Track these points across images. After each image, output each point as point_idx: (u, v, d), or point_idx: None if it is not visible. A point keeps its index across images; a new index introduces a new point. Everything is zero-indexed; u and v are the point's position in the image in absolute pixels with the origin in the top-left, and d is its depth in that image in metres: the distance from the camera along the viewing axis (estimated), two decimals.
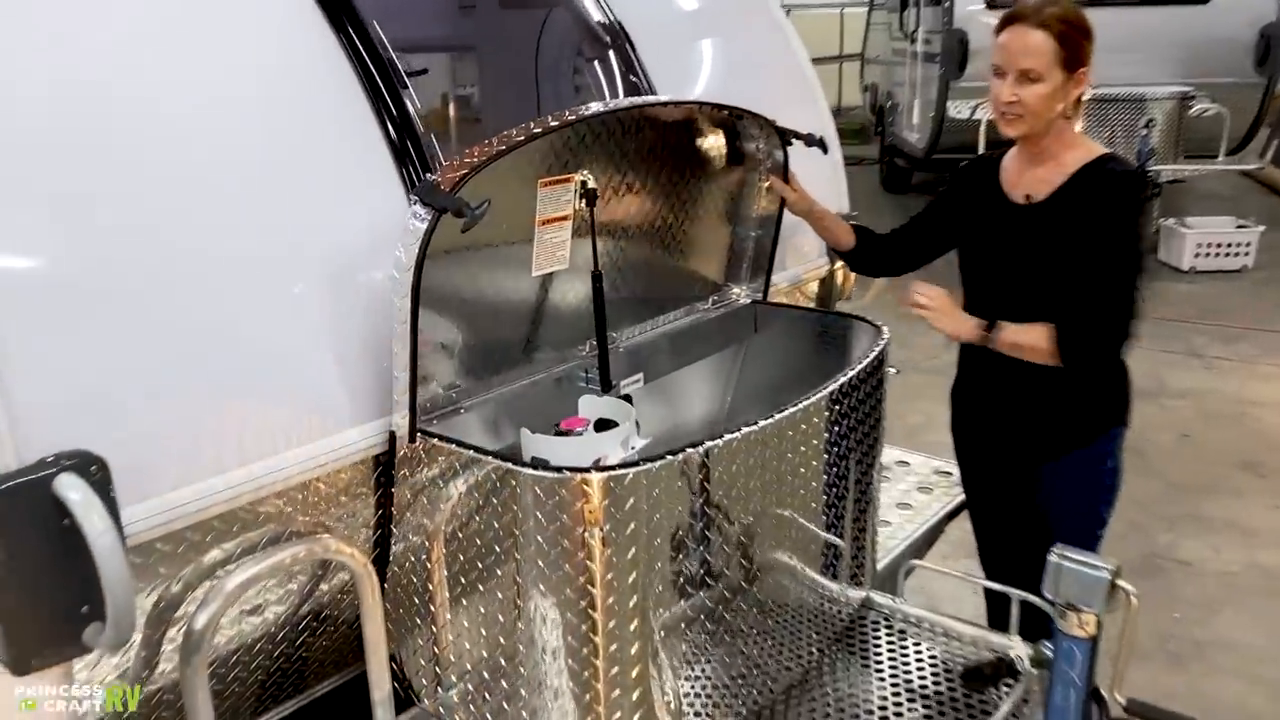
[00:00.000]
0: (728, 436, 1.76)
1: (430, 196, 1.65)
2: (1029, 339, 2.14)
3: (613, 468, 1.64)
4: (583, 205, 2.00)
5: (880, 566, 2.50)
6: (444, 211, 1.63)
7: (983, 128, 8.00)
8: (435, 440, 1.78)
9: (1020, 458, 2.31)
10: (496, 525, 1.72)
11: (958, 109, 8.62)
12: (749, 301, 2.62)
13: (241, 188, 1.70)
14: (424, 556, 1.87)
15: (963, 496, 2.87)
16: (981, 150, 7.92)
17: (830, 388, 1.96)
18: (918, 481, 2.94)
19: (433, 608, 1.89)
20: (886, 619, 2.31)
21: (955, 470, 2.98)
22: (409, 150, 1.91)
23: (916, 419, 5.20)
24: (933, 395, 5.77)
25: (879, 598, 2.34)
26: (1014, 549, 2.51)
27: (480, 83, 3.37)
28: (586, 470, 1.63)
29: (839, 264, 3.02)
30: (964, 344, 2.44)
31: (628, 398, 2.33)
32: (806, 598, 2.09)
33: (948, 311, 2.18)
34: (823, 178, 2.79)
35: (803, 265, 2.87)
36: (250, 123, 1.74)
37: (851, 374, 2.02)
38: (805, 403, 1.90)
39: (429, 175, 1.70)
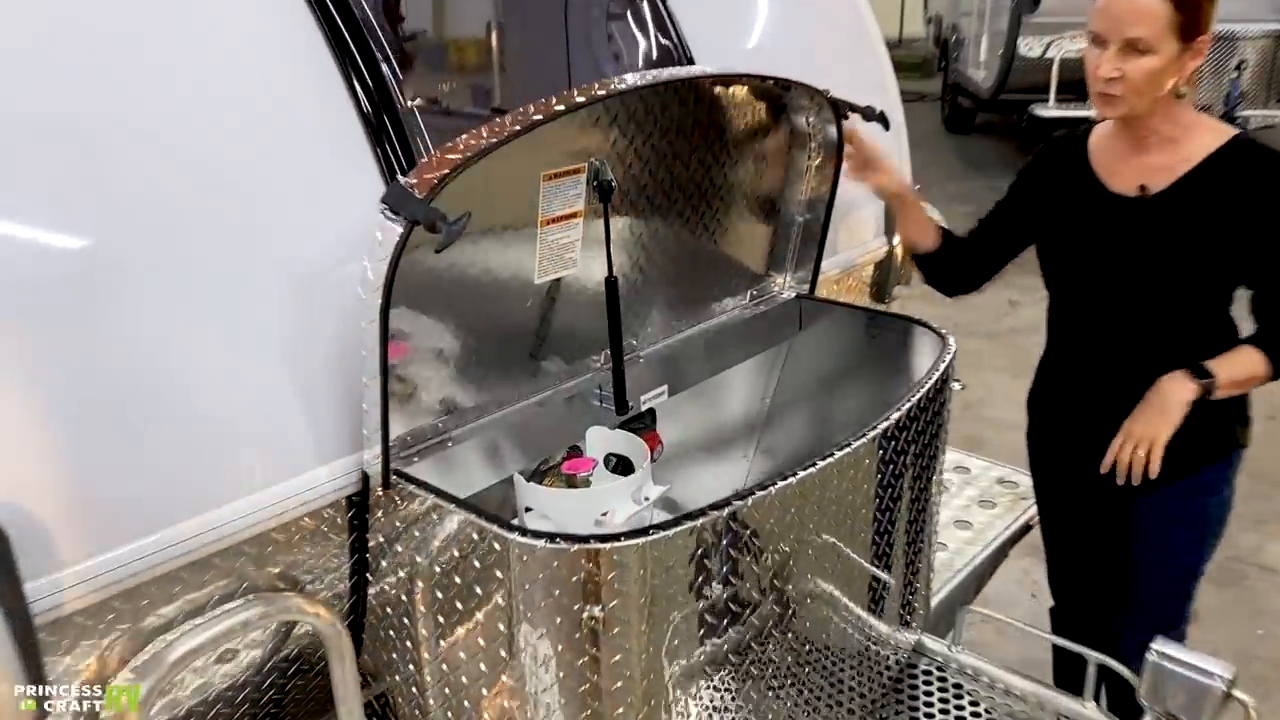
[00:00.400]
0: (759, 494, 1.46)
1: (400, 204, 1.35)
2: (1246, 370, 1.83)
3: (617, 536, 1.35)
4: (596, 199, 1.68)
5: (935, 601, 2.21)
6: (415, 224, 1.33)
7: (1055, 68, 7.46)
8: (412, 487, 1.51)
9: (1114, 485, 1.97)
10: (480, 591, 1.46)
11: (1029, 46, 8.04)
12: (793, 296, 2.29)
13: (177, 177, 1.40)
14: (403, 614, 1.62)
15: (1031, 511, 2.56)
16: (1053, 94, 7.40)
17: (883, 425, 1.65)
18: (978, 494, 2.63)
19: (413, 667, 1.64)
20: (940, 669, 2.03)
21: (1022, 479, 2.68)
22: (388, 130, 1.61)
23: (976, 393, 4.85)
24: (994, 364, 5.44)
25: (932, 643, 2.06)
26: (1095, 582, 2.20)
27: (501, 30, 3.02)
28: (585, 540, 1.35)
29: (897, 243, 2.68)
30: (1051, 337, 2.09)
31: (650, 413, 2.04)
32: (849, 655, 1.81)
33: (1154, 422, 1.84)
34: (885, 150, 2.44)
35: (857, 248, 2.54)
36: (187, 96, 1.43)
37: (909, 405, 1.71)
38: (854, 445, 1.59)
39: (400, 178, 1.40)
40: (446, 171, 1.38)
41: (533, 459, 1.87)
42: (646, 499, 1.54)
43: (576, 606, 1.37)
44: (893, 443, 1.69)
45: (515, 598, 1.40)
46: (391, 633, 1.66)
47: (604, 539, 1.35)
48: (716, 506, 1.42)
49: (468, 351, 1.73)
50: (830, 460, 1.55)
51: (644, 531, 1.36)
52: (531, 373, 1.85)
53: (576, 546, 1.34)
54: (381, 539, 1.60)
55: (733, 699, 1.58)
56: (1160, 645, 1.42)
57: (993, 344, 5.50)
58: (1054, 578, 2.32)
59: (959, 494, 2.62)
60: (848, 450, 1.58)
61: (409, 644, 1.63)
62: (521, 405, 1.83)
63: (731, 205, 2.09)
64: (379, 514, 1.58)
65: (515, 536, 1.37)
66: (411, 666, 1.64)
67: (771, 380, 2.42)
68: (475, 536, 1.43)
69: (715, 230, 2.08)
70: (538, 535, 1.36)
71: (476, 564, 1.44)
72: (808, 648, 1.69)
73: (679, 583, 1.42)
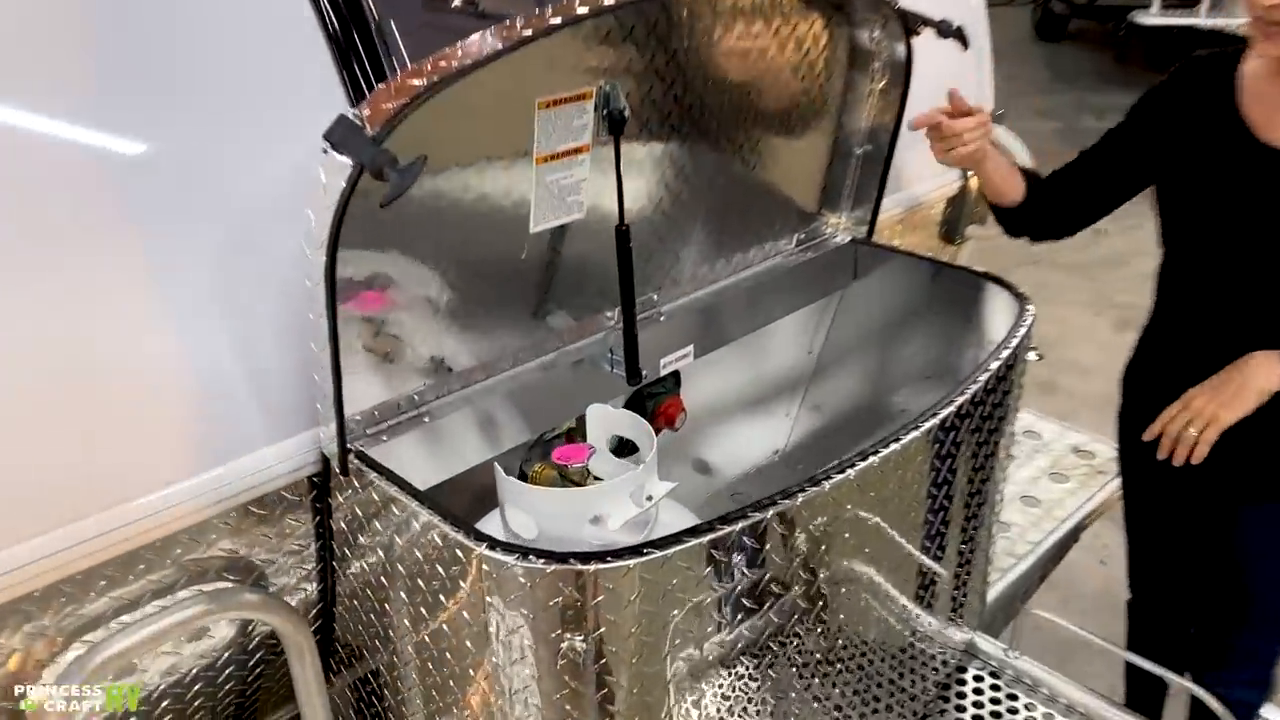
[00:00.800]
0: (782, 502, 1.21)
1: (343, 143, 1.09)
2: None
3: (604, 555, 1.11)
4: (605, 131, 1.40)
5: (993, 594, 1.95)
6: (362, 170, 1.08)
7: None
8: (373, 476, 1.29)
9: (1221, 491, 1.68)
10: (446, 601, 1.24)
11: None
12: (848, 240, 2.00)
13: (91, 105, 1.16)
14: (370, 611, 1.41)
15: (1110, 487, 2.27)
16: (1158, 0, 6.78)
17: (941, 415, 1.37)
18: (1049, 464, 2.33)
19: (382, 667, 1.45)
20: (994, 675, 1.78)
21: (1100, 449, 2.38)
22: (357, 47, 1.34)
23: (1050, 329, 4.49)
24: (1074, 299, 5.04)
25: (985, 644, 1.81)
26: (1184, 584, 1.92)
27: None
28: (564, 558, 1.11)
29: (973, 177, 2.35)
30: (1162, 303, 1.77)
31: (674, 376, 1.79)
32: (889, 660, 1.57)
33: (1221, 399, 1.55)
34: (963, 71, 2.10)
35: (926, 183, 2.22)
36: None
37: (975, 388, 1.43)
38: (903, 440, 1.32)
39: (348, 109, 1.13)
40: (405, 101, 1.11)
41: (536, 429, 1.63)
42: (649, 499, 1.30)
43: (554, 635, 1.14)
44: (951, 434, 1.42)
45: (484, 614, 1.18)
46: (360, 627, 1.46)
47: (587, 558, 1.11)
48: (728, 519, 1.17)
49: (459, 305, 1.48)
50: (871, 461, 1.29)
51: (637, 550, 1.12)
52: (534, 331, 1.60)
53: (554, 566, 1.11)
54: (344, 526, 1.39)
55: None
56: (1272, 714, 1.16)
57: (1073, 276, 5.10)
58: (1135, 571, 2.04)
59: (1027, 463, 2.33)
60: (895, 447, 1.31)
61: (377, 642, 1.43)
62: (521, 369, 1.59)
63: (776, 135, 1.78)
64: (339, 498, 1.37)
65: (481, 549, 1.13)
66: (382, 667, 1.45)
67: (820, 333, 2.15)
68: (438, 540, 1.20)
69: (756, 165, 1.78)
70: (508, 549, 1.13)
71: (441, 571, 1.22)
72: (838, 665, 1.45)
73: (681, 606, 1.18)
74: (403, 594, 1.31)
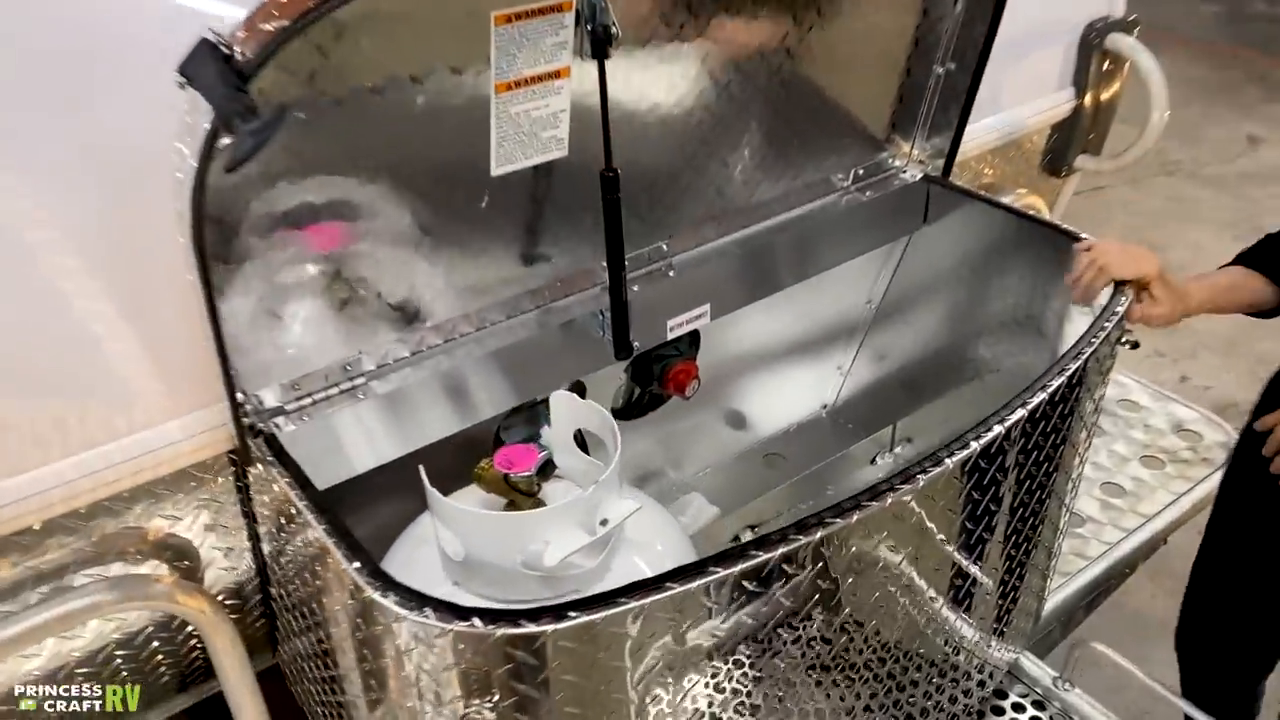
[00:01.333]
0: (756, 556, 0.96)
1: (201, 78, 0.84)
2: None
3: (516, 617, 0.89)
4: (588, 53, 1.11)
5: (1053, 604, 1.67)
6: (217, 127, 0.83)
7: None
8: (275, 471, 1.08)
9: None
10: (349, 628, 1.04)
11: None
12: (919, 177, 1.66)
13: None
14: (300, 605, 1.24)
15: (1214, 480, 1.93)
16: None
17: (986, 437, 1.09)
18: (1144, 444, 1.99)
19: (320, 665, 1.28)
20: (1038, 706, 1.53)
21: (1208, 432, 2.03)
22: None
23: (1179, 254, 3.98)
24: (1214, 217, 4.47)
25: (1032, 667, 1.55)
26: (1254, 644, 1.62)
27: None
28: (466, 615, 0.89)
29: (1089, 94, 1.96)
30: None
31: (692, 338, 1.53)
32: (918, 685, 1.34)
33: None
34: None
35: (1027, 107, 1.84)
36: None
37: (1038, 402, 1.13)
38: (932, 473, 1.05)
39: (211, 31, 0.87)
40: (287, 24, 0.85)
41: (518, 397, 1.40)
42: (604, 523, 1.06)
43: (453, 697, 0.94)
44: (1000, 458, 1.13)
45: (383, 660, 0.98)
46: (292, 618, 1.29)
47: (494, 616, 0.89)
48: (685, 573, 0.93)
49: (426, 251, 1.25)
50: (881, 504, 1.02)
51: (560, 611, 0.89)
52: (517, 285, 1.35)
53: (453, 625, 0.89)
54: (263, 511, 1.20)
55: None
56: None
57: (1216, 191, 4.51)
58: (1194, 607, 1.69)
59: (1116, 439, 2.00)
60: (919, 483, 1.04)
61: (314, 625, 1.26)
62: (498, 328, 1.35)
63: (831, 49, 1.45)
64: (252, 479, 1.18)
65: (373, 593, 0.92)
66: (320, 663, 1.28)
67: (881, 283, 1.84)
68: (330, 561, 1.00)
69: (800, 85, 1.45)
70: (404, 596, 0.91)
71: (337, 594, 1.02)
72: (844, 690, 1.22)
73: (615, 676, 0.96)
74: (314, 604, 1.13)
